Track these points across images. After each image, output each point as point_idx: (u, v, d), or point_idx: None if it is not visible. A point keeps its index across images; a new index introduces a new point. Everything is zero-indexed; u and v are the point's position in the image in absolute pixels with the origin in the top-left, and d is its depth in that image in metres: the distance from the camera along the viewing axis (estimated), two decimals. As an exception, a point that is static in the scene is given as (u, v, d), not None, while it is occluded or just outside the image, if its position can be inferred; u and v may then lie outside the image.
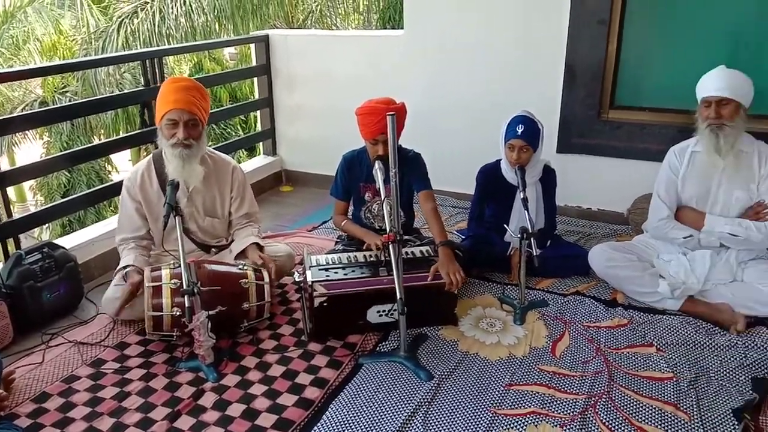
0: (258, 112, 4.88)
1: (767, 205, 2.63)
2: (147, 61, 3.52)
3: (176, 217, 2.28)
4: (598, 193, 3.69)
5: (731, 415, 1.99)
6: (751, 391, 2.10)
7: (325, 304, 2.37)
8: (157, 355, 2.38)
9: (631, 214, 3.47)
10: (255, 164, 4.68)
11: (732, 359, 2.29)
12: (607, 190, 3.63)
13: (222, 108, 7.34)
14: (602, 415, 1.99)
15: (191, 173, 2.53)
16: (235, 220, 2.81)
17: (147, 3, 9.79)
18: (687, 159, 2.76)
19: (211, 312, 2.22)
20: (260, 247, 2.71)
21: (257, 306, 2.47)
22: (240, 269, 2.48)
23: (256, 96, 4.79)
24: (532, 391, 2.12)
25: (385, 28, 10.16)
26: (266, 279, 2.50)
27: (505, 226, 2.83)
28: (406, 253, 2.66)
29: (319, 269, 2.50)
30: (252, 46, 4.60)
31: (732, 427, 1.93)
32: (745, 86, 2.60)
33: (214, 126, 10.17)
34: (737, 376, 2.20)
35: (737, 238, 2.63)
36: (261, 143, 4.94)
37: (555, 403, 2.06)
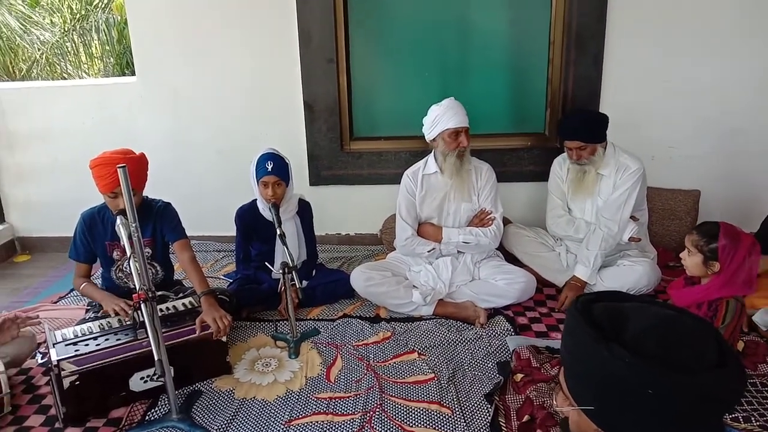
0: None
1: (488, 212, 3.07)
2: None
3: None
4: (353, 218, 3.91)
5: (484, 400, 2.23)
6: (497, 375, 2.39)
7: (76, 383, 2.12)
8: None
9: (382, 234, 3.74)
10: (-22, 237, 4.04)
11: (479, 350, 2.60)
12: (360, 215, 3.87)
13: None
14: (377, 428, 2.10)
15: None
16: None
17: None
18: (420, 181, 3.07)
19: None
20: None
21: (-7, 402, 2.13)
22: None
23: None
24: (311, 422, 2.14)
25: (124, 74, 9.55)
26: (0, 368, 2.17)
27: (267, 264, 2.85)
28: (168, 308, 2.53)
29: (66, 345, 2.23)
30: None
31: (486, 411, 2.17)
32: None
33: None
34: (485, 364, 2.49)
35: (469, 244, 3.01)
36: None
37: (334, 428, 2.11)
